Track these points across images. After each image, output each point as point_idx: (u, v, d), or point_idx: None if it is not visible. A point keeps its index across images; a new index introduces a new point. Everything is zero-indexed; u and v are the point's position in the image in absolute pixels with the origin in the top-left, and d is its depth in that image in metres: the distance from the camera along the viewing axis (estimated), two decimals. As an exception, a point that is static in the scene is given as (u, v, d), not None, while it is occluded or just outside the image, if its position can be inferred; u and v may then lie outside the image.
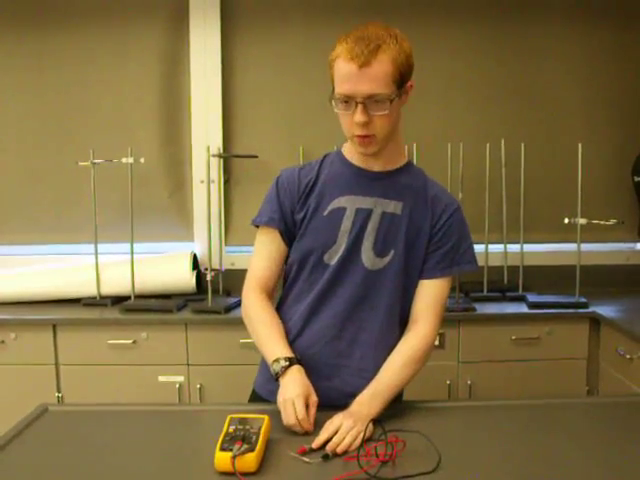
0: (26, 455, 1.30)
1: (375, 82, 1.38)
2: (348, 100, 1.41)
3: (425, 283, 1.57)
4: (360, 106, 1.40)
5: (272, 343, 1.52)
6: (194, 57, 3.14)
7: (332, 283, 1.55)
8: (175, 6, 3.13)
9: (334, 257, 1.54)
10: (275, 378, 1.46)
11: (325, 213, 1.56)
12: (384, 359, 1.53)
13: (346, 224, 1.54)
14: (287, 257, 1.63)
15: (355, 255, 1.54)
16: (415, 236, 1.55)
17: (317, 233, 1.56)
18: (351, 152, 1.59)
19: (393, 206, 1.55)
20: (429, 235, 1.56)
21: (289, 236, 1.60)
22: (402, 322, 1.59)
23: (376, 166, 1.57)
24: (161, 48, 3.16)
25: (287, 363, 1.45)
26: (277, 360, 1.46)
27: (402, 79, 1.43)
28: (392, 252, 1.54)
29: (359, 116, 1.41)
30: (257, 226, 1.64)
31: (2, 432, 1.38)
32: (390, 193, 1.56)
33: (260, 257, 1.63)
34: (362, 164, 1.57)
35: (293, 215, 1.58)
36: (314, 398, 1.41)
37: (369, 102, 1.40)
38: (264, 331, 1.55)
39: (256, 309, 1.59)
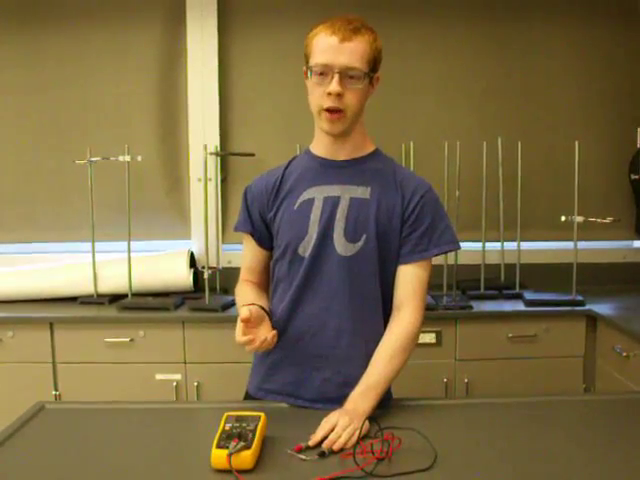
0: (22, 453, 1.30)
1: (354, 56, 1.46)
2: (325, 71, 1.46)
3: (404, 268, 1.57)
4: (337, 76, 1.45)
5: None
6: (191, 55, 3.13)
7: (309, 274, 1.56)
8: (172, 4, 3.13)
9: (308, 248, 1.56)
10: None
11: (295, 207, 1.58)
12: (372, 345, 1.53)
13: (315, 213, 1.56)
14: (269, 259, 1.69)
15: (328, 243, 1.55)
16: (387, 220, 1.55)
17: (289, 227, 1.58)
18: (318, 145, 1.62)
19: (361, 191, 1.56)
20: (401, 219, 1.56)
21: (260, 237, 1.66)
22: (385, 307, 1.59)
23: (342, 155, 1.59)
24: (158, 46, 3.15)
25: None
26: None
27: (374, 65, 1.51)
28: (364, 237, 1.54)
29: (334, 85, 1.45)
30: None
31: (-1, 430, 1.39)
32: (357, 179, 1.58)
33: (243, 258, 1.73)
34: (328, 155, 1.60)
35: (263, 217, 1.64)
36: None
37: (345, 75, 1.46)
38: (238, 303, 1.64)
39: (238, 292, 1.69)
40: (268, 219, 1.63)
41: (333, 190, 1.57)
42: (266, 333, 1.44)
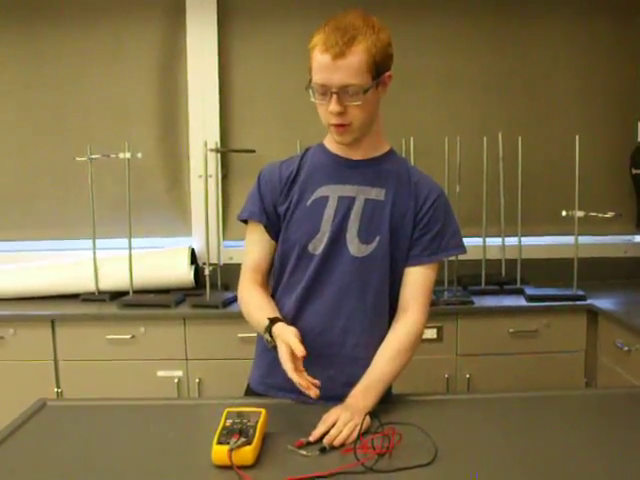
0: (24, 450, 1.31)
1: (348, 73, 1.40)
2: (324, 91, 1.44)
3: (412, 270, 1.57)
4: (334, 96, 1.42)
5: (262, 321, 1.51)
6: (191, 51, 3.13)
7: (319, 273, 1.55)
8: (172, 1, 3.12)
9: (319, 246, 1.55)
10: (272, 348, 1.46)
11: (308, 203, 1.57)
12: (377, 345, 1.53)
13: (329, 212, 1.55)
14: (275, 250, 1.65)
15: (340, 243, 1.54)
16: (399, 221, 1.56)
17: (300, 223, 1.57)
18: (332, 142, 1.61)
19: (375, 192, 1.56)
20: (414, 221, 1.56)
21: (273, 229, 1.62)
22: (391, 307, 1.60)
23: (357, 154, 1.58)
24: (158, 43, 3.15)
25: (268, 334, 1.46)
26: (264, 333, 1.48)
27: (378, 70, 1.45)
28: (378, 238, 1.55)
29: (333, 106, 1.43)
30: (246, 222, 1.66)
31: (1, 427, 1.38)
32: (372, 180, 1.57)
33: (249, 250, 1.65)
34: (343, 153, 1.59)
35: (276, 208, 1.60)
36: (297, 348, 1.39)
37: (343, 92, 1.42)
38: (256, 313, 1.56)
39: (249, 296, 1.61)
40: (280, 211, 1.60)
41: (348, 190, 1.56)
42: (301, 363, 1.40)
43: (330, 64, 1.40)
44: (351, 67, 1.40)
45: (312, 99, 1.48)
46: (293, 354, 1.38)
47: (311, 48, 1.45)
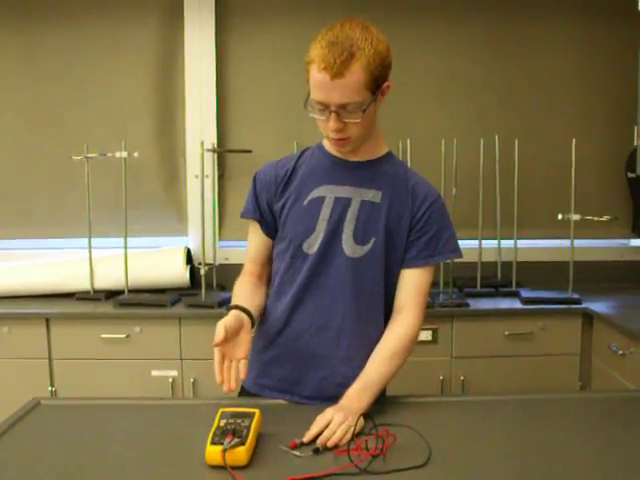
0: (18, 449, 1.30)
1: (347, 92, 1.39)
2: (322, 108, 1.43)
3: (408, 272, 1.57)
4: (333, 114, 1.42)
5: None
6: (188, 51, 3.13)
7: (314, 273, 1.56)
8: (170, 0, 3.12)
9: (313, 246, 1.55)
10: None
11: (304, 203, 1.57)
12: (371, 347, 1.53)
13: (325, 212, 1.55)
14: (272, 248, 1.67)
15: (335, 244, 1.55)
16: (395, 224, 1.56)
17: (296, 222, 1.57)
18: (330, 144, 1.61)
19: (372, 194, 1.56)
20: (410, 223, 1.56)
21: (267, 226, 1.64)
22: (386, 309, 1.60)
23: (355, 156, 1.58)
24: (155, 42, 3.15)
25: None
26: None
27: (377, 84, 1.43)
28: (373, 240, 1.55)
29: (333, 124, 1.43)
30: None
31: (-6, 426, 1.38)
32: (369, 182, 1.57)
33: (248, 244, 1.70)
34: (341, 154, 1.59)
35: (271, 206, 1.62)
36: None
37: (342, 110, 1.42)
38: (233, 297, 1.60)
39: (237, 287, 1.64)
40: (275, 209, 1.61)
41: (344, 191, 1.56)
42: (241, 352, 1.44)
43: (328, 83, 1.38)
44: (349, 86, 1.38)
45: (311, 115, 1.47)
46: (225, 341, 1.39)
47: (308, 62, 1.42)
